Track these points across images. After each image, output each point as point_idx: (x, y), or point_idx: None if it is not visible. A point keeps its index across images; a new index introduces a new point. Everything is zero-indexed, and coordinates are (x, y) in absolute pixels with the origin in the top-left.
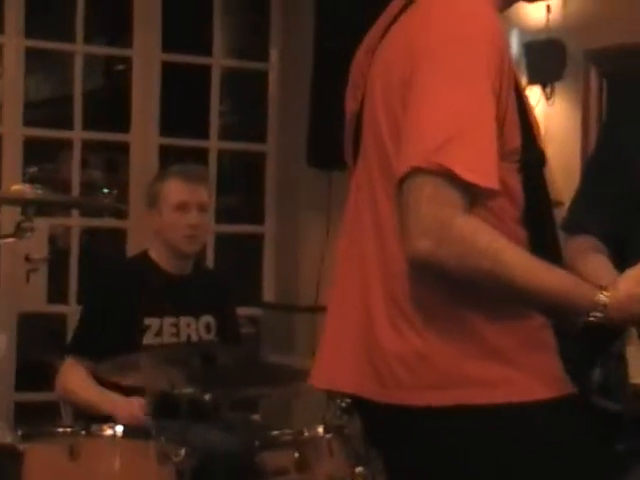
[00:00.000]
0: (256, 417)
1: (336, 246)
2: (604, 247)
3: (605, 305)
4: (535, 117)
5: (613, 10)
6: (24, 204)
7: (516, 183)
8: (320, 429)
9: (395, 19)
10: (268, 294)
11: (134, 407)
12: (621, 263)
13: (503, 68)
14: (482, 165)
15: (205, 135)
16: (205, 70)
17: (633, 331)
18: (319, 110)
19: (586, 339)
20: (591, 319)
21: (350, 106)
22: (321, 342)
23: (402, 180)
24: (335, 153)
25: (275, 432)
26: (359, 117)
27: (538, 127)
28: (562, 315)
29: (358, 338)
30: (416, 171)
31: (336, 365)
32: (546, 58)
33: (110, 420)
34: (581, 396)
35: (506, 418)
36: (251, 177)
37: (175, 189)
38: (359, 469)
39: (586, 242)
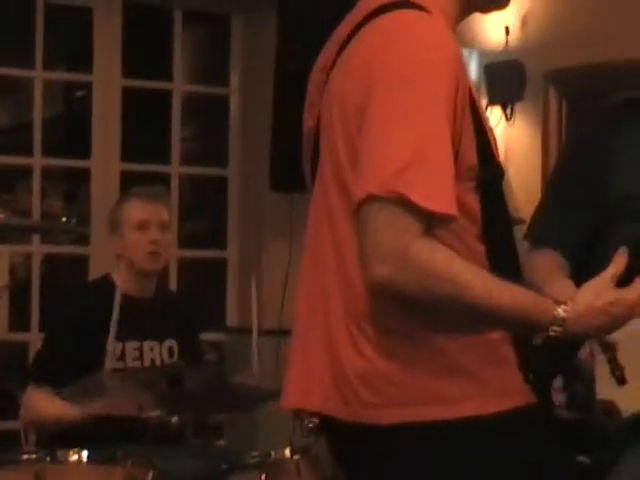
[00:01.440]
0: (221, 442)
1: (300, 267)
2: (565, 262)
3: (564, 319)
4: (492, 133)
5: (571, 32)
6: None
7: (473, 201)
8: (287, 451)
9: (350, 37)
10: (231, 319)
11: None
12: (584, 275)
13: (457, 89)
14: (439, 191)
15: (167, 160)
16: (166, 95)
17: (597, 347)
18: (281, 134)
19: (549, 351)
20: (551, 333)
21: (307, 123)
22: (289, 363)
23: (360, 205)
24: (297, 176)
25: (242, 455)
26: (316, 134)
27: (495, 143)
28: (523, 331)
29: (322, 358)
30: (373, 198)
31: (303, 385)
32: (506, 79)
33: (75, 445)
34: (544, 407)
35: (469, 432)
36: (213, 202)
37: (135, 209)
38: None
39: (549, 259)
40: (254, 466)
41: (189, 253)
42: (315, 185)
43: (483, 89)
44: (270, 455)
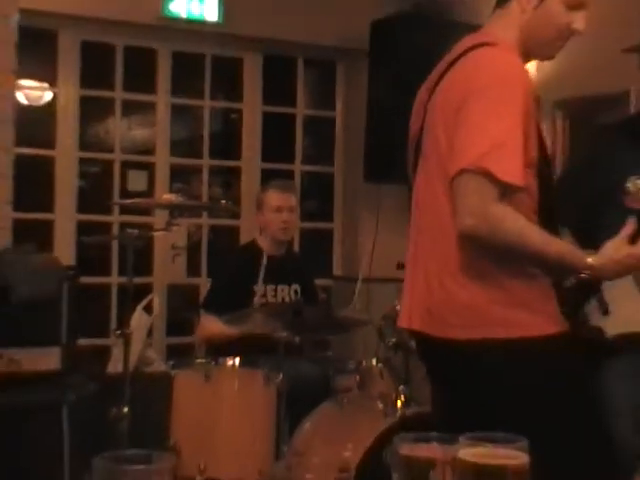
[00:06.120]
0: (329, 354)
1: (410, 226)
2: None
3: (592, 266)
4: (545, 140)
5: (574, 66)
6: (172, 208)
7: (533, 183)
8: (374, 360)
9: (450, 66)
10: (337, 269)
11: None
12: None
13: (528, 102)
14: (513, 168)
15: (292, 161)
16: (291, 116)
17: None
18: (372, 143)
19: (577, 290)
20: (583, 275)
21: (414, 128)
22: (402, 293)
23: (454, 177)
24: (383, 172)
25: (343, 363)
26: (419, 137)
27: (547, 148)
28: (564, 272)
29: (421, 290)
30: (464, 171)
31: (409, 311)
32: None
33: (231, 355)
34: (573, 331)
35: (524, 348)
36: (324, 189)
37: (273, 196)
38: (401, 387)
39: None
40: (351, 371)
41: (308, 225)
42: (418, 173)
43: None
44: (362, 363)
